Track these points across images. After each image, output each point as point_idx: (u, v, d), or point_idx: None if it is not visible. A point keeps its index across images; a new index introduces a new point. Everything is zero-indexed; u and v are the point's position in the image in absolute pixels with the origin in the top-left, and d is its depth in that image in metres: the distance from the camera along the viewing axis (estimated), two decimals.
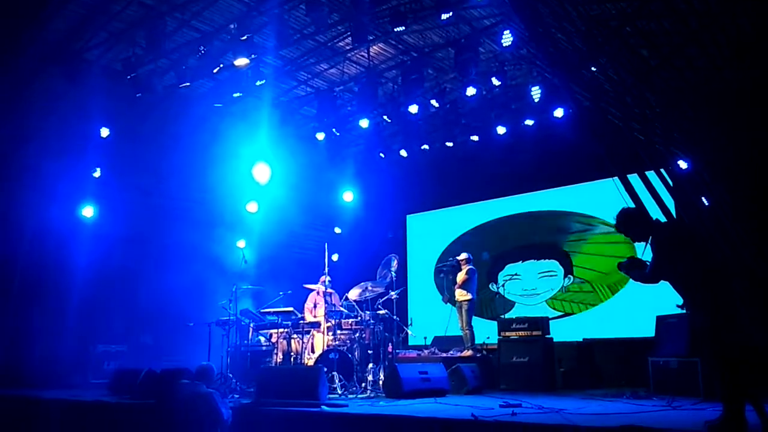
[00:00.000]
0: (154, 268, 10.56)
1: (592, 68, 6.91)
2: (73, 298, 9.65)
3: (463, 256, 10.07)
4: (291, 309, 9.11)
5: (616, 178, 5.55)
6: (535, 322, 9.21)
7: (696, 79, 6.68)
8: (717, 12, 6.16)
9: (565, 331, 10.40)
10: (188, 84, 9.45)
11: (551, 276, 10.74)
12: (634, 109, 6.93)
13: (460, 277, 9.90)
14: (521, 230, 11.76)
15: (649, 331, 8.28)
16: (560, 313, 10.88)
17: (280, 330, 9.01)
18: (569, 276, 10.68)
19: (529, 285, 10.87)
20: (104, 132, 9.97)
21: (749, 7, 5.95)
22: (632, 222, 4.84)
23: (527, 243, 11.28)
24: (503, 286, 11.22)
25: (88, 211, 10.21)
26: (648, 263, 4.62)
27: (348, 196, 12.79)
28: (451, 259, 10.24)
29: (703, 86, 6.43)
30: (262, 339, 9.46)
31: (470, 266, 9.94)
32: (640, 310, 9.76)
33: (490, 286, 11.50)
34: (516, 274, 11.18)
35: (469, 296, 9.74)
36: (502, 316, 10.45)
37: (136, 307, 10.57)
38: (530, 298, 10.82)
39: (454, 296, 9.94)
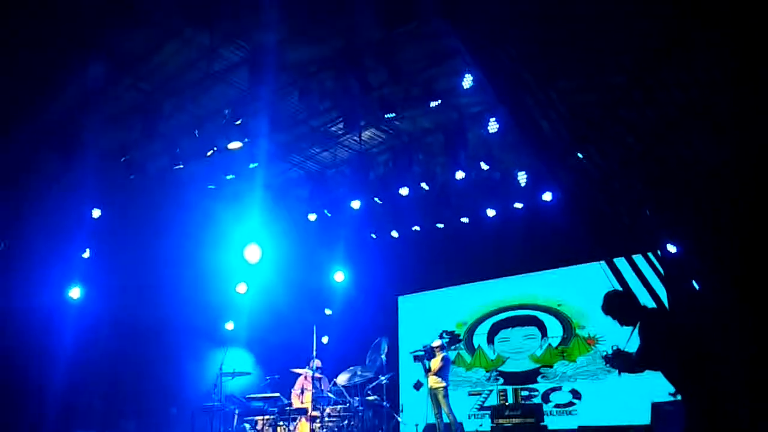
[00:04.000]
0: (139, 350, 10.35)
1: (578, 154, 7.04)
2: (55, 381, 9.39)
3: (437, 342, 9.90)
4: (278, 395, 8.87)
5: (602, 262, 5.54)
6: (529, 409, 9.01)
7: (678, 165, 6.80)
8: (695, 99, 6.35)
9: (560, 419, 10.12)
10: (181, 166, 9.53)
11: (532, 338, 12.18)
12: (620, 194, 7.02)
13: (435, 364, 9.64)
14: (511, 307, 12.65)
15: (645, 417, 8.06)
16: (539, 365, 11.81)
17: (266, 417, 8.76)
18: (545, 338, 11.96)
19: (517, 345, 12.29)
20: (96, 213, 9.99)
21: (726, 95, 6.14)
22: (619, 305, 4.79)
23: (515, 315, 12.61)
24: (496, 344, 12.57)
25: (75, 293, 10.09)
26: (633, 354, 4.54)
27: (339, 277, 12.71)
28: (426, 345, 10.04)
29: (685, 172, 6.55)
30: (248, 426, 9.15)
31: (444, 353, 9.76)
32: (635, 395, 9.55)
33: (488, 346, 12.70)
34: (506, 338, 12.55)
35: (444, 383, 9.51)
36: (499, 369, 11.68)
37: (119, 390, 10.30)
38: (518, 355, 12.18)
39: (428, 384, 9.71)
